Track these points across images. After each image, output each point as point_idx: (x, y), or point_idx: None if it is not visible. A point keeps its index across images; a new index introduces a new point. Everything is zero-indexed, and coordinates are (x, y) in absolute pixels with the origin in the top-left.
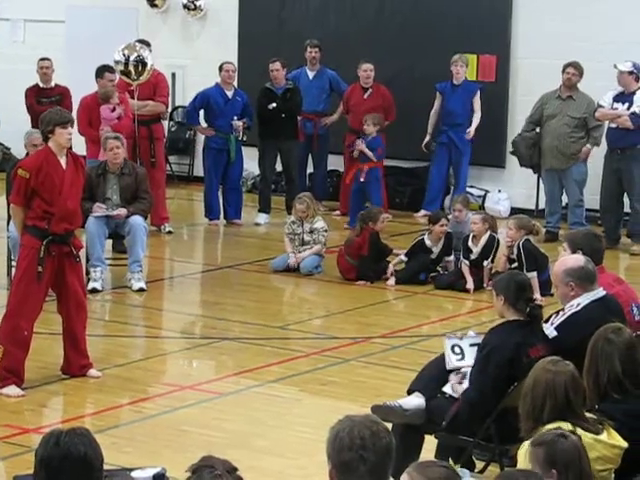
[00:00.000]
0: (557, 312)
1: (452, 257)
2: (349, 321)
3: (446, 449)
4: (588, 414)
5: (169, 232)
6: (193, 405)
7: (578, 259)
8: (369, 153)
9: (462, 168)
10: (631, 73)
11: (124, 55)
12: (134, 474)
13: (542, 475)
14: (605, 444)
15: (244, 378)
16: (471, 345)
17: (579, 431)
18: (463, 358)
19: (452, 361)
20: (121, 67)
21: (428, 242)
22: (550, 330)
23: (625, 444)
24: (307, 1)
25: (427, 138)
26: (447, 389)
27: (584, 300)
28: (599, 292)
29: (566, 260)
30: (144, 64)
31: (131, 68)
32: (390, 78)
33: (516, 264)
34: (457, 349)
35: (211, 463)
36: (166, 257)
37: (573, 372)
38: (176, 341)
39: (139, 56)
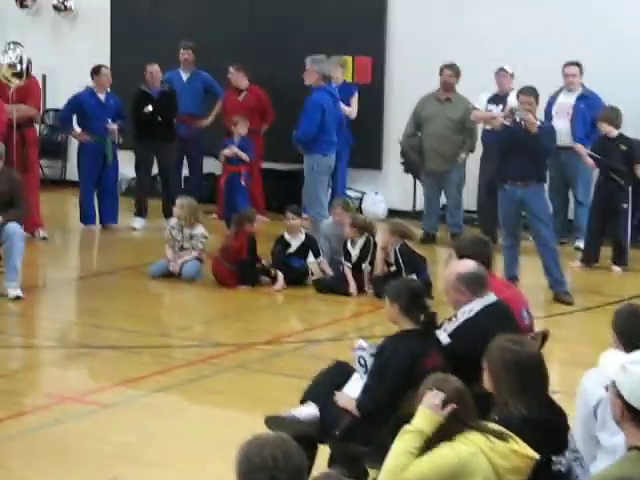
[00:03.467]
0: (449, 318)
1: (314, 259)
2: (231, 327)
3: (339, 459)
4: (492, 424)
5: (44, 238)
6: (77, 417)
7: (468, 264)
8: (242, 155)
9: (339, 170)
10: (512, 75)
11: (17, 57)
12: None
13: None
14: (518, 454)
15: (127, 388)
16: (372, 355)
17: (495, 441)
18: (367, 370)
19: (361, 374)
20: (14, 69)
21: (287, 236)
22: (443, 337)
23: (536, 455)
24: (180, 3)
25: None
26: None
27: (477, 306)
28: (491, 297)
29: (457, 266)
30: (29, 66)
31: (22, 69)
32: (266, 80)
33: (394, 267)
34: (362, 360)
35: None
36: (41, 264)
37: (459, 387)
38: (56, 350)
39: (23, 57)
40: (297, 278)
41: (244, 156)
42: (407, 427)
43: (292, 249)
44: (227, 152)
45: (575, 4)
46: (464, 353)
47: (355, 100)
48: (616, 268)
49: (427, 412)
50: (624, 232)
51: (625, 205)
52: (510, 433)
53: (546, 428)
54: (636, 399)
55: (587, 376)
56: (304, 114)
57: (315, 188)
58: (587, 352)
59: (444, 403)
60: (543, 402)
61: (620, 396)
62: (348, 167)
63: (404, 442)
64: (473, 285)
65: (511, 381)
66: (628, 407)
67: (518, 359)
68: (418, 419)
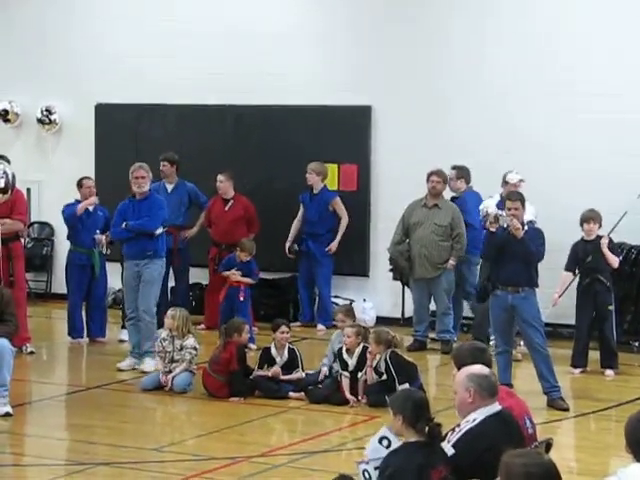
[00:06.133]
0: (453, 429)
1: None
2: (226, 440)
3: None
4: None
5: (31, 352)
6: None
7: (483, 368)
8: (247, 280)
9: (321, 278)
10: (521, 181)
11: (2, 172)
12: None
13: None
14: None
15: None
16: (376, 468)
17: None
18: None
19: None
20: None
21: (273, 350)
22: (448, 448)
23: None
24: (164, 115)
25: (288, 243)
26: None
27: (480, 415)
28: (495, 407)
29: (471, 367)
30: (14, 180)
31: (8, 184)
32: (251, 190)
33: (385, 376)
34: (367, 474)
35: None
36: (30, 379)
37: None
38: (48, 468)
39: (7, 172)
40: (282, 395)
41: (247, 281)
42: None
43: (277, 365)
44: (229, 275)
45: None
46: (469, 463)
47: (340, 206)
48: (609, 372)
49: None
50: (612, 334)
51: (611, 307)
52: None
53: None
54: None
55: None
56: (153, 211)
57: (157, 293)
58: (587, 459)
59: None
60: None
61: None
62: (334, 275)
63: None
64: (482, 388)
65: None
66: None
67: (540, 475)
68: None
